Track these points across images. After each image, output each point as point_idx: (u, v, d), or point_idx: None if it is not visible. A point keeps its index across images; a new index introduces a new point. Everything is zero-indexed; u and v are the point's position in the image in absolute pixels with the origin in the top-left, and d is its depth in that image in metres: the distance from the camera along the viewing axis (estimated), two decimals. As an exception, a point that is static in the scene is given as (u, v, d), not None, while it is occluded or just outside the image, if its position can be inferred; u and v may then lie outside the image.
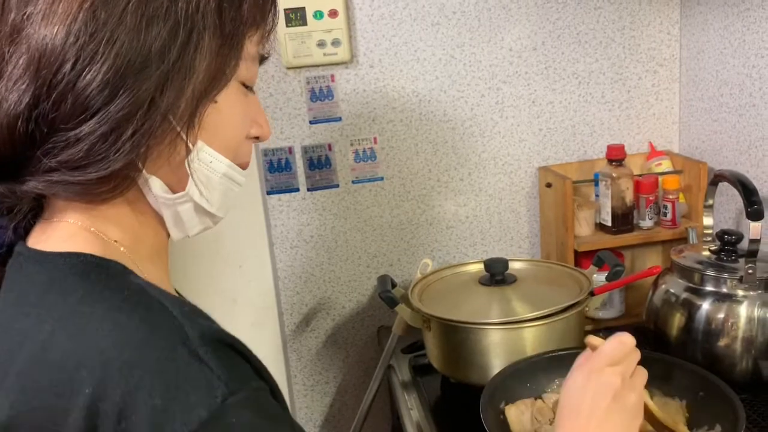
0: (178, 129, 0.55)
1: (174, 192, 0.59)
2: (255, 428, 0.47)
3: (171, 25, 0.53)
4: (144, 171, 0.56)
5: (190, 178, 0.58)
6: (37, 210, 0.59)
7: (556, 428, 0.68)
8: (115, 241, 0.57)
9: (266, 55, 0.63)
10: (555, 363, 1.01)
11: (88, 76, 0.51)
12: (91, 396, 0.47)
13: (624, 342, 0.69)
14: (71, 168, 0.52)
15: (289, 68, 1.36)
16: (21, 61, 0.52)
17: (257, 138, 0.65)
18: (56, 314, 0.51)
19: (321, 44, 1.34)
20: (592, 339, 0.71)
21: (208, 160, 0.59)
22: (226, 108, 0.59)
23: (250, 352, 0.52)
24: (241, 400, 0.47)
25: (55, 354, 0.49)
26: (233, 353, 0.50)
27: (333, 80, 1.38)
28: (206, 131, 0.58)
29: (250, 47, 0.60)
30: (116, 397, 0.46)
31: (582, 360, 0.70)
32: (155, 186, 0.57)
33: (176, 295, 0.62)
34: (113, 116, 0.51)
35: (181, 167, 0.58)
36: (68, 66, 0.51)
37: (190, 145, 0.57)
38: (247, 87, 0.62)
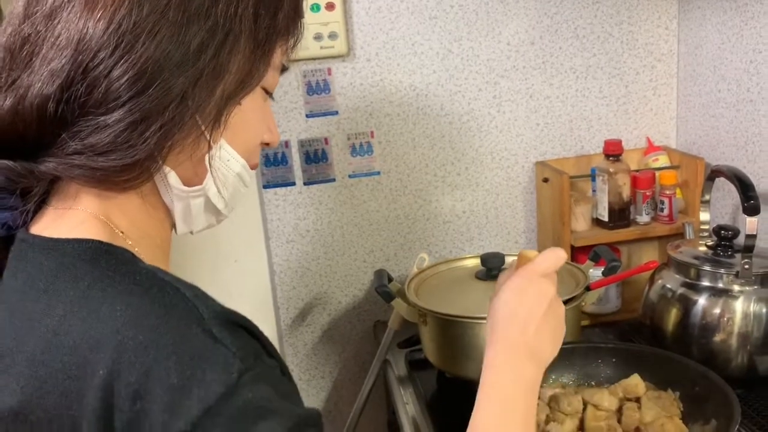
0: (203, 127, 0.56)
1: (189, 186, 0.60)
2: (270, 402, 0.48)
3: (210, 25, 0.54)
4: (164, 164, 0.57)
5: (209, 174, 0.60)
6: (42, 197, 0.59)
7: (489, 335, 0.67)
8: (122, 232, 0.57)
9: (287, 66, 0.65)
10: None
11: (125, 65, 0.52)
12: (106, 377, 0.47)
13: (558, 255, 0.68)
14: (96, 153, 0.53)
15: (285, 61, 1.35)
16: (58, 42, 0.53)
17: (267, 144, 0.67)
18: (67, 299, 0.51)
19: (318, 37, 1.34)
20: (525, 251, 0.70)
21: (226, 158, 0.61)
22: (249, 111, 0.61)
23: (260, 331, 0.53)
24: (256, 376, 0.48)
25: (68, 338, 0.49)
26: (244, 332, 0.51)
27: (330, 74, 1.37)
28: (228, 131, 0.59)
29: (278, 56, 0.62)
30: (132, 378, 0.47)
31: (512, 271, 0.69)
32: (172, 178, 0.58)
33: None
34: (144, 106, 0.52)
35: (200, 163, 0.59)
36: (107, 52, 0.52)
37: (213, 143, 0.58)
38: (268, 93, 0.64)
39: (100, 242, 0.54)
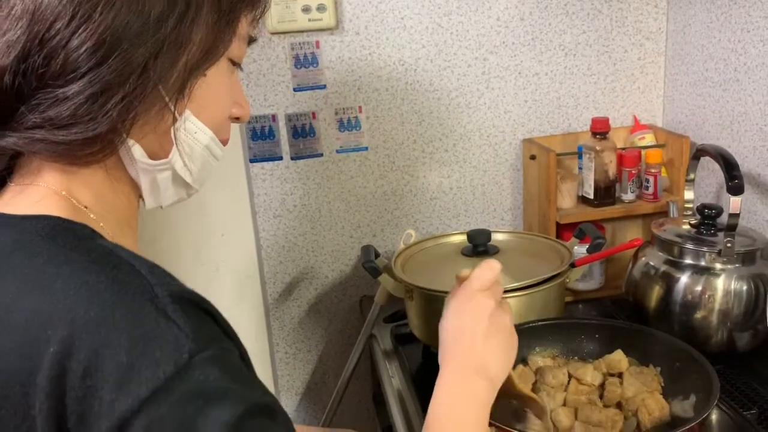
0: (167, 99, 0.55)
1: (155, 160, 0.59)
2: (221, 385, 0.46)
3: None
4: (128, 137, 0.56)
5: (174, 147, 0.59)
6: (5, 174, 0.58)
7: (443, 357, 0.68)
8: (86, 207, 0.56)
9: (255, 37, 0.64)
10: (536, 333, 1.03)
11: (83, 35, 0.51)
12: (57, 354, 0.46)
13: (492, 267, 0.70)
14: (56, 126, 0.52)
15: (273, 33, 1.34)
16: (14, 12, 0.51)
17: (237, 119, 0.66)
18: (21, 276, 0.50)
19: (306, 9, 1.32)
20: (461, 272, 0.73)
21: (193, 131, 0.59)
22: (215, 83, 0.60)
23: (218, 313, 0.52)
24: (209, 358, 0.47)
25: (20, 316, 0.48)
26: (201, 313, 0.50)
27: (318, 47, 1.36)
28: (193, 103, 0.58)
29: (244, 26, 0.61)
30: (82, 355, 0.46)
31: (452, 294, 0.72)
32: (137, 152, 0.57)
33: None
34: (104, 78, 0.51)
35: (165, 136, 0.58)
36: (63, 22, 0.51)
37: (177, 114, 0.57)
38: (235, 65, 0.63)
39: (59, 218, 0.53)
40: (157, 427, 0.44)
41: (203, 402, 0.45)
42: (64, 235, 0.52)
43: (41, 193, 0.55)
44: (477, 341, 0.67)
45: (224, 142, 0.64)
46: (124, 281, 0.49)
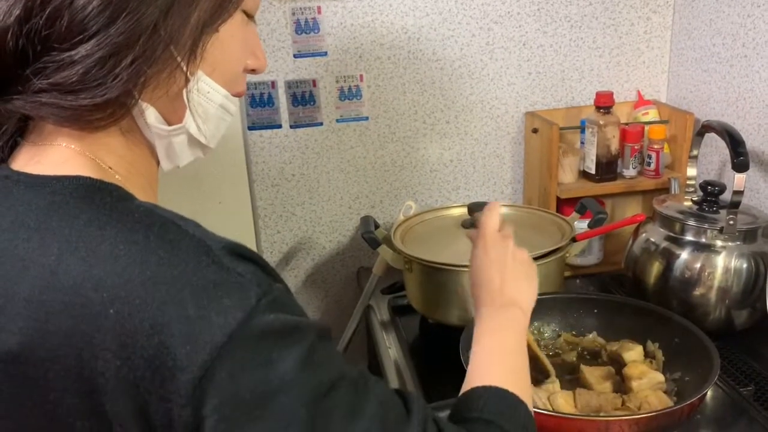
0: (179, 59, 0.53)
1: (169, 123, 0.57)
2: (290, 320, 0.48)
3: None
4: (140, 100, 0.54)
5: (188, 110, 0.57)
6: (20, 132, 0.56)
7: (475, 301, 0.75)
8: (110, 168, 0.55)
9: None
10: (534, 306, 1.02)
11: None
12: (117, 316, 0.46)
13: (493, 208, 0.80)
14: (64, 91, 0.50)
15: (273, -2, 1.31)
16: None
17: (253, 70, 0.64)
18: (62, 237, 0.49)
19: (308, -26, 1.28)
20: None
21: (205, 90, 0.58)
22: (228, 38, 0.57)
23: (264, 260, 0.53)
24: (274, 299, 0.48)
25: (67, 277, 0.47)
26: (251, 263, 0.51)
27: (319, 12, 1.33)
28: (206, 62, 0.56)
29: None
30: (145, 314, 0.45)
31: (473, 246, 0.80)
32: (150, 116, 0.56)
33: None
34: (113, 40, 0.49)
35: (178, 98, 0.56)
36: None
37: (190, 75, 0.55)
38: (249, 16, 0.60)
39: (90, 179, 0.52)
40: (239, 369, 0.45)
41: (278, 339, 0.47)
42: (101, 196, 0.51)
43: (65, 154, 0.54)
44: (504, 281, 0.73)
45: (239, 95, 0.62)
46: (174, 240, 0.49)
